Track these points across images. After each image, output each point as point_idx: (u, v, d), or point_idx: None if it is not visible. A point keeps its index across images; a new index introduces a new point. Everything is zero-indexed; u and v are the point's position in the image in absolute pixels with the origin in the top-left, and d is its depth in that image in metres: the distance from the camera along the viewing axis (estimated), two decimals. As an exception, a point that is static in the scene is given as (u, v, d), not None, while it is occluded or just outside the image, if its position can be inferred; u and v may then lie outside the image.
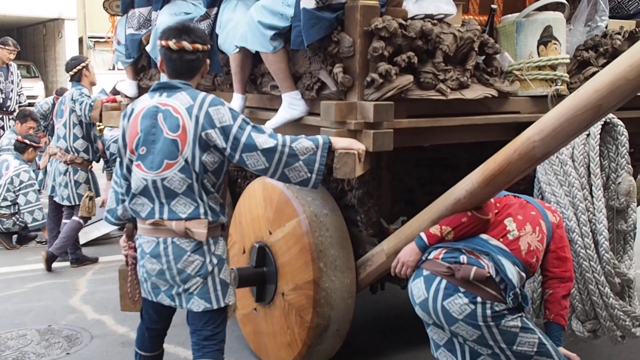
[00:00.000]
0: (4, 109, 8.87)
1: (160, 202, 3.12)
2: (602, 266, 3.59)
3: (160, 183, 3.08)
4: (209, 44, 3.26)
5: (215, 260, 3.20)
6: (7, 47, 8.88)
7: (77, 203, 6.41)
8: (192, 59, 3.16)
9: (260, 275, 4.06)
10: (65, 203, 6.44)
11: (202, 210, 3.12)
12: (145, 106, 3.14)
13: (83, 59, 6.71)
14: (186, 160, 3.06)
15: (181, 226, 3.10)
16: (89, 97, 6.33)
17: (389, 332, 4.89)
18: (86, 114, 6.24)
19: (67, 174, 6.38)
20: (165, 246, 3.14)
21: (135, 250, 3.37)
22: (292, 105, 3.79)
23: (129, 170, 3.21)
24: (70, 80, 6.54)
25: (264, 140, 3.06)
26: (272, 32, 3.71)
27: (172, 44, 3.11)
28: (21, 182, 7.47)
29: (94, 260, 6.72)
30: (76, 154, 6.38)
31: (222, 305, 3.23)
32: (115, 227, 3.56)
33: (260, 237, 4.12)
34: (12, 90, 9.03)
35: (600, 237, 3.59)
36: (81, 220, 6.45)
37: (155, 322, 3.46)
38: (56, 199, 6.52)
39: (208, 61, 3.30)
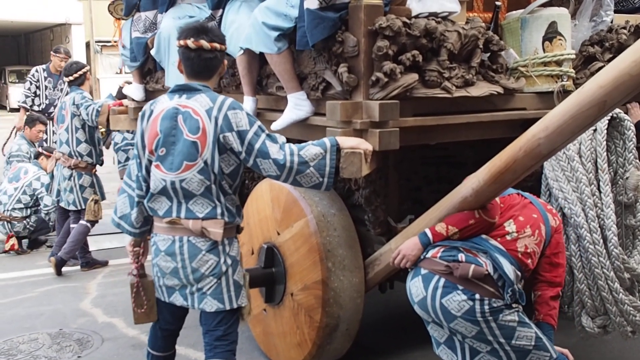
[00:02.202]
0: (46, 114, 8.89)
1: (179, 201, 3.16)
2: (611, 262, 3.58)
3: (178, 184, 3.11)
4: (225, 43, 3.27)
5: (229, 261, 3.22)
6: (58, 55, 8.91)
7: (83, 207, 6.39)
8: (210, 57, 3.19)
9: (269, 276, 4.07)
10: (72, 208, 6.45)
11: (219, 211, 3.15)
12: (165, 108, 3.17)
13: (84, 64, 6.74)
14: (205, 162, 3.09)
15: (198, 225, 3.13)
16: (92, 100, 6.34)
17: (398, 331, 4.89)
18: (93, 118, 6.22)
19: (72, 178, 6.37)
20: (181, 244, 3.17)
21: (139, 262, 3.41)
22: (297, 105, 3.80)
23: (148, 172, 3.23)
24: (71, 84, 6.53)
25: (276, 151, 3.10)
26: (276, 33, 3.71)
27: (190, 42, 3.14)
28: (42, 184, 7.55)
29: (104, 264, 6.75)
30: (80, 159, 6.35)
31: (235, 306, 3.25)
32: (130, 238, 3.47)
33: (268, 238, 4.13)
34: (58, 98, 9.01)
35: (609, 233, 3.58)
36: (88, 224, 6.44)
37: (168, 322, 3.47)
38: (62, 204, 6.52)
39: (226, 62, 3.32)
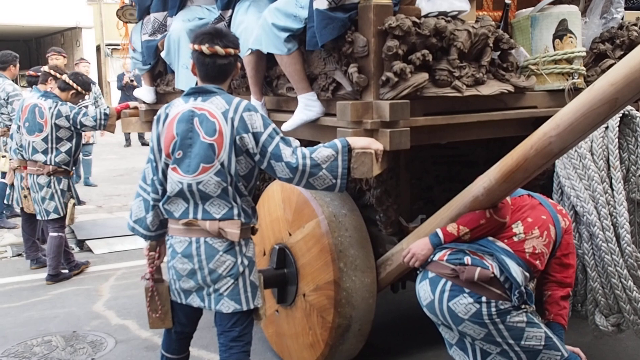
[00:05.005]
0: None
1: (195, 203, 3.18)
2: (625, 259, 3.56)
3: (195, 187, 3.13)
4: (238, 47, 3.29)
5: (246, 262, 3.24)
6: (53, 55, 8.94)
7: (65, 213, 6.19)
8: (225, 63, 3.21)
9: (281, 277, 4.08)
10: (53, 216, 6.14)
11: (235, 212, 3.17)
12: (181, 111, 3.19)
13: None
14: (222, 164, 3.10)
15: (215, 226, 3.15)
16: (74, 106, 6.13)
17: (411, 331, 4.88)
18: (102, 123, 6.10)
19: (52, 185, 6.10)
20: (198, 246, 3.19)
21: (154, 266, 3.42)
22: (308, 106, 3.80)
23: (165, 175, 3.25)
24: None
25: (289, 154, 3.12)
26: (286, 34, 3.72)
27: (205, 48, 3.16)
28: None
29: (69, 277, 6.51)
30: (57, 167, 6.09)
31: (252, 307, 3.27)
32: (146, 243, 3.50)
33: (280, 239, 4.13)
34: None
35: (621, 230, 3.56)
36: (63, 234, 6.26)
37: (182, 325, 3.48)
38: (39, 216, 6.24)
39: (239, 64, 3.33)
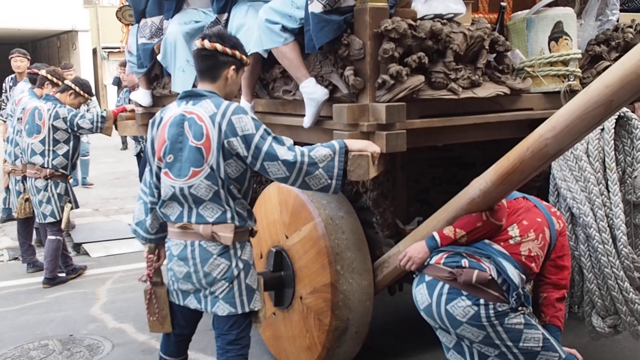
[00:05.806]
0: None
1: (189, 206, 3.18)
2: (621, 261, 3.57)
3: (187, 190, 3.13)
4: (236, 49, 3.24)
5: (241, 265, 3.23)
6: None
7: (61, 217, 6.18)
8: (207, 55, 3.20)
9: (278, 280, 4.07)
10: (49, 220, 6.16)
11: (229, 215, 3.17)
12: (173, 115, 3.20)
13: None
14: (211, 168, 3.10)
15: (208, 230, 3.15)
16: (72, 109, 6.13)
17: (408, 333, 4.88)
18: (99, 126, 6.09)
19: (49, 188, 6.09)
20: (193, 249, 3.19)
21: (153, 269, 3.43)
22: (311, 95, 3.69)
23: (159, 178, 3.27)
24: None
25: (284, 152, 3.10)
26: (279, 26, 3.70)
27: (197, 42, 3.21)
28: None
29: (75, 273, 6.59)
30: (54, 170, 6.10)
31: (247, 310, 3.26)
32: (143, 245, 3.51)
33: (276, 242, 4.13)
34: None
35: (618, 232, 3.57)
36: (60, 238, 6.26)
37: (181, 326, 3.48)
38: (37, 219, 6.26)
39: (233, 67, 3.25)
